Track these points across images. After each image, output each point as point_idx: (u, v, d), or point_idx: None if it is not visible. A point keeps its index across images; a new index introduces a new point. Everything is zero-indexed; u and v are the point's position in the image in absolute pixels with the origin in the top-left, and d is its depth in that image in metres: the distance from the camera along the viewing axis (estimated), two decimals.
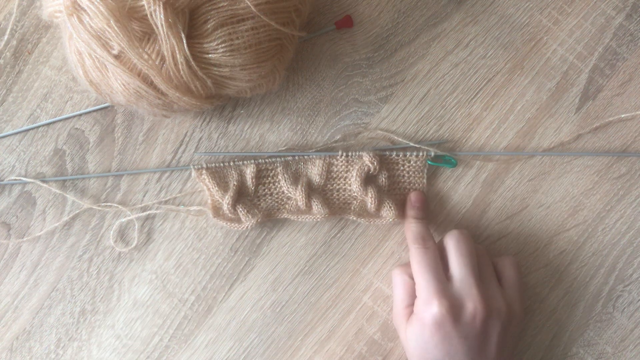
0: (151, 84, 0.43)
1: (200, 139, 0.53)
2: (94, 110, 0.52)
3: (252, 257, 0.53)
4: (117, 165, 0.53)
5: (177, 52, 0.41)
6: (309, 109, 0.53)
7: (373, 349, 0.53)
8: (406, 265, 0.51)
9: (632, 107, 0.53)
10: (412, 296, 0.49)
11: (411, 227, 0.50)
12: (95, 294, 0.53)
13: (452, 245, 0.48)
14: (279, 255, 0.53)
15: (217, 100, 0.48)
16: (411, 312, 0.48)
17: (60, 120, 0.53)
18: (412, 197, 0.52)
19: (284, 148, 0.53)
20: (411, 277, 0.49)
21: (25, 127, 0.53)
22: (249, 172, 0.52)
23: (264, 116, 0.53)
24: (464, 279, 0.47)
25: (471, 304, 0.46)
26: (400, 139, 0.52)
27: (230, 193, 0.51)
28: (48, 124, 0.53)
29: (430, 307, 0.46)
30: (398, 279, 0.50)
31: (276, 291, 0.53)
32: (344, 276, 0.53)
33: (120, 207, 0.52)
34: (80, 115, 0.53)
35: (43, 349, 0.53)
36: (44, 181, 0.52)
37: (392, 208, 0.51)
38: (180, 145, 0.53)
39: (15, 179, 0.52)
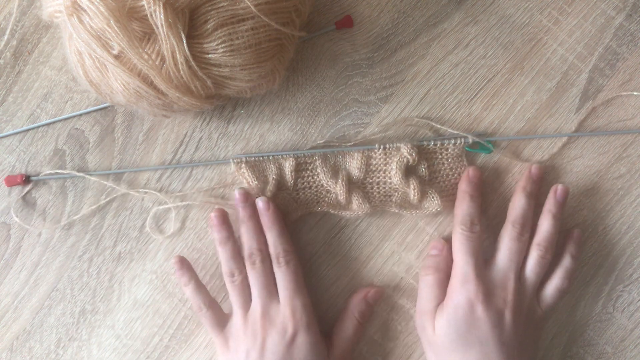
0: (151, 84, 0.43)
1: (200, 139, 0.53)
2: (94, 110, 0.52)
3: None
4: (117, 165, 0.53)
5: (177, 52, 0.41)
6: (309, 109, 0.53)
7: (373, 349, 0.53)
8: (435, 265, 0.50)
9: (632, 107, 0.53)
10: (443, 294, 0.49)
11: (463, 206, 0.50)
12: (96, 294, 0.53)
13: (508, 239, 0.49)
14: None
15: (217, 100, 0.48)
16: (438, 309, 0.48)
17: (60, 120, 0.53)
18: (470, 171, 0.51)
19: (321, 142, 0.53)
20: (443, 276, 0.49)
21: (25, 127, 0.53)
22: (288, 165, 0.52)
23: (264, 116, 0.53)
24: (503, 271, 0.48)
25: (503, 294, 0.47)
26: (437, 125, 0.52)
27: (270, 187, 0.51)
28: (48, 124, 0.53)
29: (466, 287, 0.47)
30: (428, 277, 0.50)
31: None
32: (344, 276, 0.53)
33: (158, 194, 0.53)
34: (80, 115, 0.53)
35: (43, 349, 0.53)
36: (89, 174, 0.52)
37: (435, 198, 0.51)
38: (180, 145, 0.53)
39: (51, 173, 0.52)
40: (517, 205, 0.50)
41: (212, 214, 0.50)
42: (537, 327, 0.49)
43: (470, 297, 0.46)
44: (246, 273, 0.49)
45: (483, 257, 0.49)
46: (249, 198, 0.50)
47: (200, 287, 0.50)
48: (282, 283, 0.48)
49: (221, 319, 0.50)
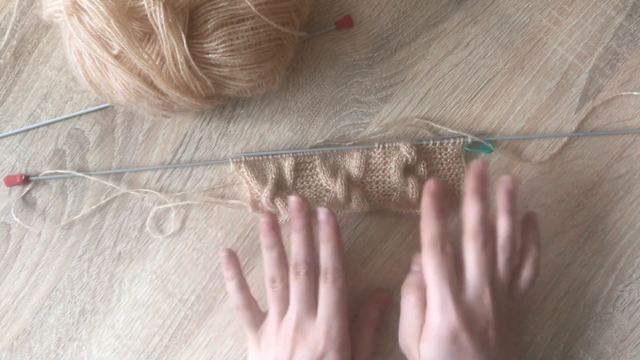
0: (151, 84, 0.43)
1: (200, 139, 0.53)
2: (94, 110, 0.52)
3: (252, 257, 0.53)
4: (117, 165, 0.53)
5: (177, 52, 0.41)
6: (309, 109, 0.53)
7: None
8: (417, 282, 0.48)
9: (632, 107, 0.53)
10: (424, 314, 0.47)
11: (429, 228, 0.45)
12: (96, 294, 0.53)
13: (473, 255, 0.45)
14: None
15: (217, 100, 0.48)
16: (422, 334, 0.46)
17: (60, 120, 0.53)
18: (432, 185, 0.46)
19: (321, 141, 0.53)
20: (423, 294, 0.47)
21: (25, 127, 0.53)
22: (287, 165, 0.52)
23: (264, 116, 0.53)
24: (478, 288, 0.45)
25: (483, 312, 0.45)
26: (437, 125, 0.52)
27: (269, 186, 0.51)
28: (48, 124, 0.53)
29: (446, 318, 0.44)
30: (410, 297, 0.47)
31: None
32: None
33: (158, 194, 0.53)
34: (80, 115, 0.53)
35: (43, 349, 0.53)
36: (89, 174, 0.52)
37: None
38: (180, 145, 0.53)
39: (50, 173, 0.52)
40: (471, 212, 0.45)
41: (263, 219, 0.48)
42: (515, 321, 0.49)
43: (453, 327, 0.44)
44: (288, 281, 0.47)
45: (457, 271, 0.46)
46: (305, 207, 0.47)
47: (242, 285, 0.49)
48: (324, 300, 0.46)
49: (257, 319, 0.49)
